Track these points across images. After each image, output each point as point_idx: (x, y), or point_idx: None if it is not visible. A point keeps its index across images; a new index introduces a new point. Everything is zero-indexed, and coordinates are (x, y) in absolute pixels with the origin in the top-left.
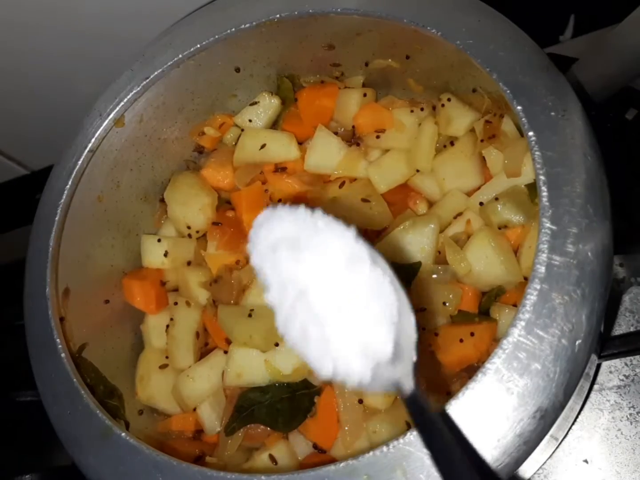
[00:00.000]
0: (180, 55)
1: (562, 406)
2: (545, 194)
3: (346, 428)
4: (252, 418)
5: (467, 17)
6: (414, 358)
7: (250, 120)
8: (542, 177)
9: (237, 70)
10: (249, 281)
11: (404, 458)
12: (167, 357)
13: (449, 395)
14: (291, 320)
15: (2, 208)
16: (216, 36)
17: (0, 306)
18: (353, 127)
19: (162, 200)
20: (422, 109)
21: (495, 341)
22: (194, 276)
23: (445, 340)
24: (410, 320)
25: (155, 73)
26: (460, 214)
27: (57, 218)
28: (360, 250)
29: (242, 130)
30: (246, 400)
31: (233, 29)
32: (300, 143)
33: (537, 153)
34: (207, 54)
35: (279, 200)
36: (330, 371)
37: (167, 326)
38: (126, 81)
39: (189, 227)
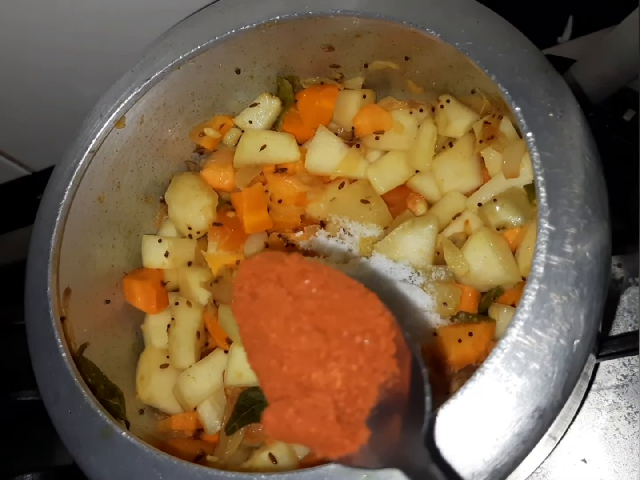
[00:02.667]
0: (180, 57)
1: (560, 406)
2: (543, 194)
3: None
4: (252, 417)
5: (466, 18)
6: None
7: (250, 122)
8: (540, 178)
9: (238, 71)
10: None
11: None
12: (167, 357)
13: (448, 394)
14: None
15: (3, 208)
16: (216, 38)
17: (0, 306)
18: (352, 128)
19: (163, 201)
20: (421, 110)
21: (494, 341)
22: (195, 276)
23: (444, 340)
24: None
25: (156, 74)
26: (458, 215)
27: (58, 218)
28: None
29: (243, 131)
30: (247, 400)
31: (233, 31)
32: (300, 144)
33: (535, 154)
34: (207, 55)
35: (280, 201)
36: None
37: (168, 326)
38: (127, 82)
39: (189, 228)
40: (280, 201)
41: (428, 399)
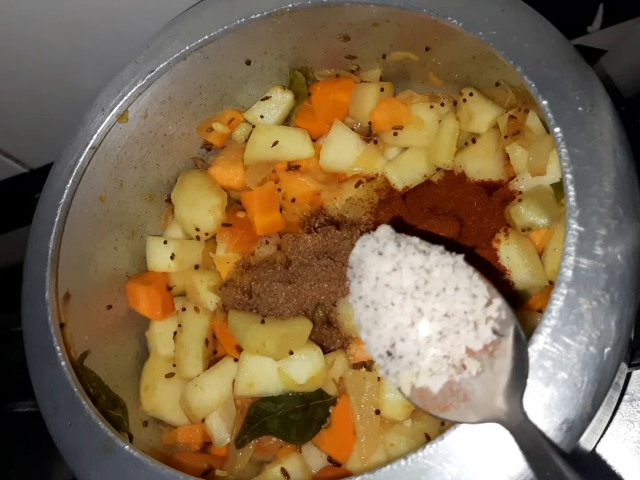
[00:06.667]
0: (187, 47)
1: (590, 417)
2: (572, 193)
3: (362, 440)
4: (263, 429)
5: (490, 6)
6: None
7: (261, 116)
8: (569, 176)
9: (248, 63)
10: None
11: (423, 472)
12: (174, 366)
13: None
14: None
15: None
16: (225, 27)
17: None
18: (370, 123)
19: (169, 200)
20: (442, 104)
21: None
22: (203, 280)
23: None
24: None
25: (161, 66)
26: None
27: (57, 219)
28: None
29: (253, 126)
30: (258, 411)
31: (243, 19)
32: (314, 140)
33: (563, 150)
34: (215, 45)
35: (293, 200)
36: None
37: (174, 333)
38: (130, 74)
39: (197, 229)
40: (293, 200)
41: (527, 364)
